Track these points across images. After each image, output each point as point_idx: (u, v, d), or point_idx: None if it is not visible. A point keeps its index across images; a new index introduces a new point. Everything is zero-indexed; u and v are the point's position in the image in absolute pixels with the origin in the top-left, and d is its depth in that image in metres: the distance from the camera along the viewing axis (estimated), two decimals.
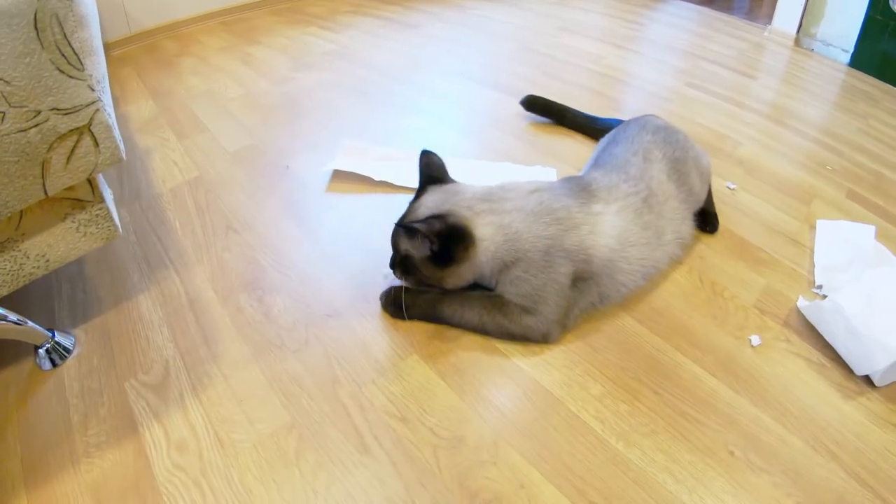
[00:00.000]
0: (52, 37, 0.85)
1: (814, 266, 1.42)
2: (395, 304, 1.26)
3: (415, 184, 1.34)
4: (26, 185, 0.94)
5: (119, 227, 1.17)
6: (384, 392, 1.13)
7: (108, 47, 2.86)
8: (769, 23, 3.20)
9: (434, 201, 1.23)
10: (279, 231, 1.52)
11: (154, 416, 1.09)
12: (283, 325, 1.27)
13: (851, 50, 2.84)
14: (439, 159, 1.32)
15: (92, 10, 0.94)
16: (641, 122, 1.50)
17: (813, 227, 1.55)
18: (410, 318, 1.26)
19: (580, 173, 1.43)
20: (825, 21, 2.94)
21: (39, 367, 1.18)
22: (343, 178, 1.72)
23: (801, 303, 1.30)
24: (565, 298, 1.20)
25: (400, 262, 1.23)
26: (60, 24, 0.85)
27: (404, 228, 1.17)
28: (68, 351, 1.21)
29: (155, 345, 1.23)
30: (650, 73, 2.54)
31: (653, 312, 1.29)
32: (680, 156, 1.41)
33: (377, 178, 1.67)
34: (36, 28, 0.82)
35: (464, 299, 1.24)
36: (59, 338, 1.21)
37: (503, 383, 1.15)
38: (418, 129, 2.04)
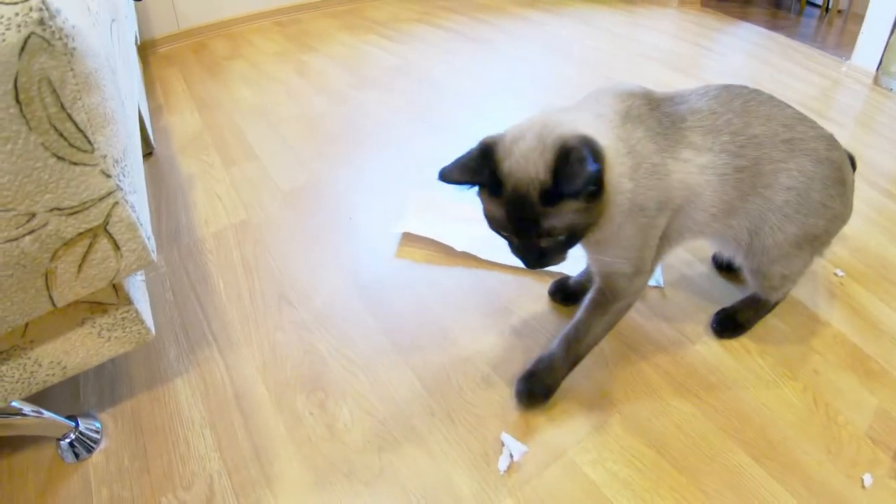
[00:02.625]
0: (44, 111, 0.51)
1: None
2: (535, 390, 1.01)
3: (504, 258, 1.15)
4: (27, 298, 0.63)
5: (152, 329, 0.85)
6: None
7: (154, 44, 2.56)
8: (844, 55, 2.82)
9: (529, 144, 0.81)
10: (342, 309, 1.18)
11: None
12: (352, 445, 0.94)
13: None
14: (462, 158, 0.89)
15: (106, 61, 0.59)
16: None
17: None
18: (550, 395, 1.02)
19: None
20: None
21: (62, 458, 0.94)
22: (416, 242, 1.36)
23: None
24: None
25: (546, 248, 0.85)
26: (55, 91, 0.52)
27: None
28: (94, 442, 0.96)
29: (196, 452, 0.94)
30: None
31: (768, 446, 0.99)
32: None
33: (459, 249, 1.31)
34: (18, 101, 0.49)
35: (565, 337, 1.01)
36: (83, 427, 0.95)
37: None
38: None
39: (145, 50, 2.50)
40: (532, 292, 1.24)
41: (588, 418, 1.00)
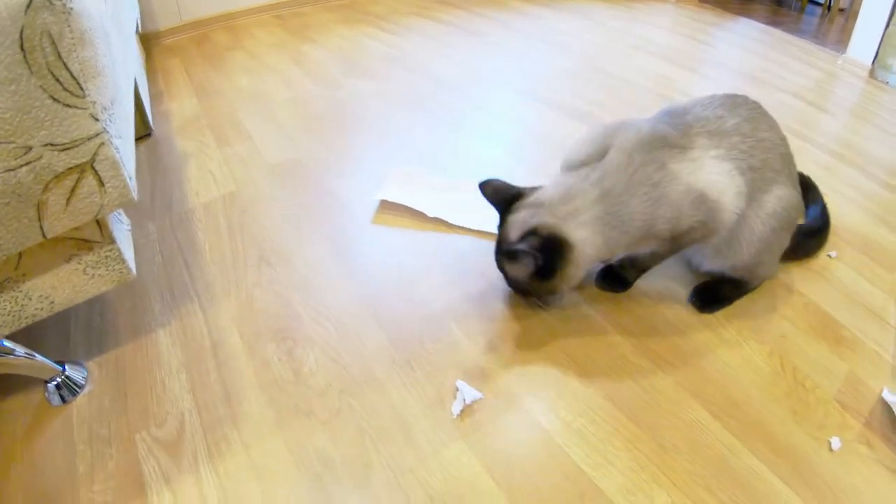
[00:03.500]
0: (44, 59, 0.64)
1: None
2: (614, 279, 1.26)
3: (473, 223, 1.32)
4: (21, 227, 0.74)
5: (133, 269, 0.97)
6: (423, 485, 0.91)
7: (158, 35, 2.70)
8: (842, 50, 2.88)
9: (521, 218, 1.10)
10: (317, 268, 1.30)
11: (165, 480, 0.92)
12: (315, 387, 1.05)
13: None
14: (502, 182, 1.19)
15: (99, 22, 0.71)
16: None
17: None
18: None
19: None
20: None
21: (49, 401, 1.04)
22: (392, 209, 1.48)
23: (886, 395, 1.06)
24: None
25: (515, 286, 1.19)
26: (54, 43, 0.64)
27: (506, 254, 1.11)
28: (79, 386, 1.06)
29: (171, 393, 1.05)
30: None
31: (729, 404, 1.04)
32: None
33: (431, 215, 1.43)
34: (22, 49, 0.62)
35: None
36: (69, 371, 1.05)
37: (559, 485, 0.91)
38: (480, 157, 1.77)
39: (149, 41, 2.64)
40: None
41: (545, 370, 1.09)
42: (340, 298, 1.22)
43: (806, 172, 1.68)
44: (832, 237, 1.45)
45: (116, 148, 0.76)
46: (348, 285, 1.25)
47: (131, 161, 0.83)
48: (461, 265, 1.31)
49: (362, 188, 1.56)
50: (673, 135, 1.08)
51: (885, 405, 1.05)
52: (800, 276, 1.32)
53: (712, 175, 1.06)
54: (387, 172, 1.60)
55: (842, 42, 3.23)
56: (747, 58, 2.80)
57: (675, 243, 1.13)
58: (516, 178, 1.22)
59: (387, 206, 1.49)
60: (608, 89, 2.25)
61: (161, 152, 1.73)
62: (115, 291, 1.22)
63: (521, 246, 1.06)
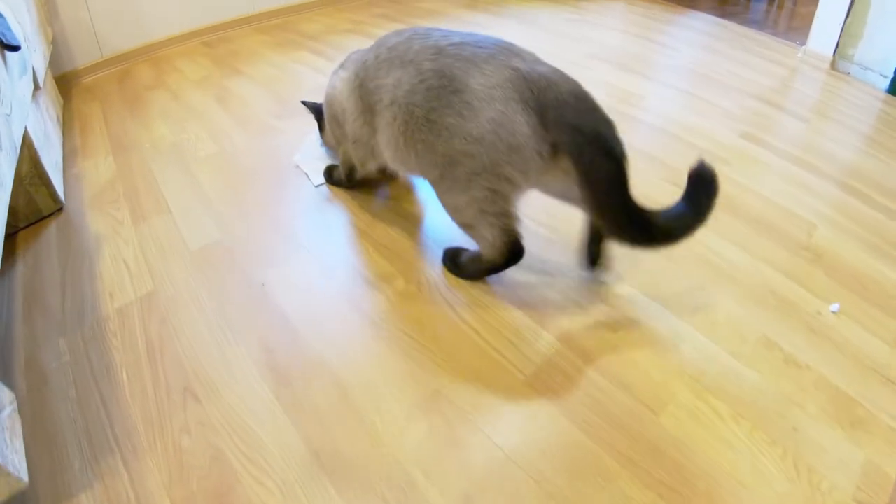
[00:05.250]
0: None
1: None
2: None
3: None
4: None
5: (24, 476, 0.75)
6: None
7: (77, 74, 2.41)
8: (798, 40, 2.78)
9: None
10: (251, 404, 1.06)
11: None
12: None
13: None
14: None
15: None
16: None
17: None
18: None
19: None
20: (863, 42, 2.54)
21: None
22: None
23: None
24: None
25: None
26: None
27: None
28: None
29: None
30: (697, 119, 2.04)
31: None
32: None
33: (315, 184, 1.65)
34: None
35: None
36: None
37: None
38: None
39: (68, 82, 2.35)
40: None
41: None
42: (283, 447, 0.99)
43: (809, 212, 1.56)
44: (830, 283, 1.33)
45: None
46: (290, 427, 1.02)
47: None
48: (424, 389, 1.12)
49: (300, 281, 1.32)
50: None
51: None
52: (806, 343, 1.18)
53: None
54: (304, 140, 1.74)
55: (794, 29, 3.15)
56: (710, 59, 2.67)
57: None
58: None
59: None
60: None
61: (72, 234, 1.48)
62: (29, 435, 0.99)
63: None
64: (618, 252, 1.30)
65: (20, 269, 1.38)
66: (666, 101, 2.16)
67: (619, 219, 0.99)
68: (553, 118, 0.98)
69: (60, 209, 1.57)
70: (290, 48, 2.61)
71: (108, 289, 1.29)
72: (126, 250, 1.40)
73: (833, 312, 1.25)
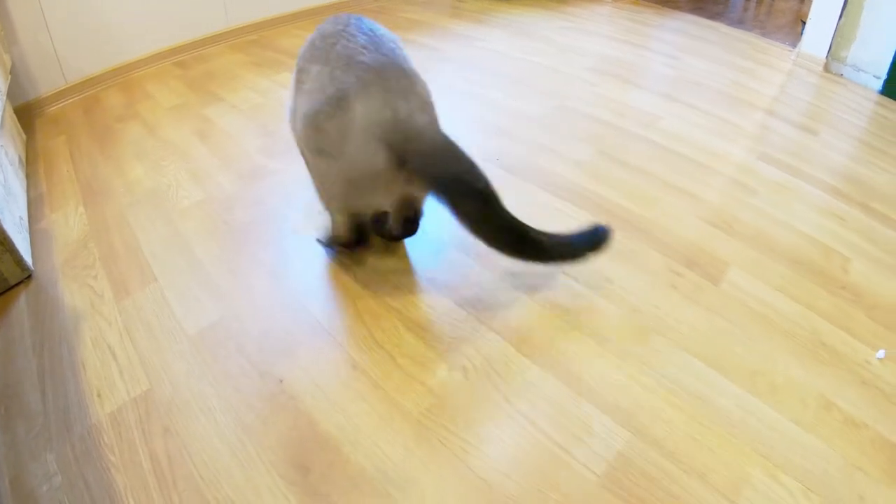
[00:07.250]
0: None
1: None
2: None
3: None
4: None
5: None
6: None
7: (40, 104, 2.18)
8: (793, 43, 2.70)
9: None
10: None
11: None
12: None
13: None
14: None
15: None
16: None
17: None
18: None
19: None
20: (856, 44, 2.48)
21: None
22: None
23: None
24: None
25: None
26: None
27: None
28: None
29: None
30: (713, 140, 1.89)
31: None
32: None
33: None
34: None
35: None
36: None
37: None
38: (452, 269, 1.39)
39: (30, 112, 2.12)
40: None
41: None
42: None
43: (843, 245, 1.45)
44: (872, 326, 1.23)
45: None
46: None
47: None
48: None
49: (319, 372, 1.11)
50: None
51: None
52: (859, 398, 1.08)
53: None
54: None
55: (778, 27, 3.08)
56: (705, 66, 2.54)
57: None
58: None
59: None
60: (588, 140, 1.84)
61: (45, 311, 1.27)
62: None
63: None
64: (671, 316, 1.16)
65: None
66: (688, 125, 2.00)
67: (494, 242, 1.11)
68: (416, 166, 1.07)
69: (29, 276, 1.37)
70: (270, 68, 2.40)
71: (94, 386, 1.10)
72: (109, 333, 1.20)
73: (879, 359, 1.16)
